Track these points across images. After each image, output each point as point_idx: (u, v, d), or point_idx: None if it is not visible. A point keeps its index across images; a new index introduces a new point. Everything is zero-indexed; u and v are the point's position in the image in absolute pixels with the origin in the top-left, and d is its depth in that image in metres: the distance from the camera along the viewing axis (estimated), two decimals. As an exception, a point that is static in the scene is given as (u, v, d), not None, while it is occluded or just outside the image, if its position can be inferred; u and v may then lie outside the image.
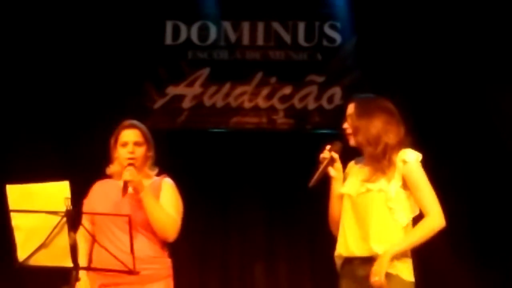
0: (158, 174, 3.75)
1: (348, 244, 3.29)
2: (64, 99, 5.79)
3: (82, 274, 3.53)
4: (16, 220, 3.07)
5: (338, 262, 3.38)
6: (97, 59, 5.86)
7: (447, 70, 5.90)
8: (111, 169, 3.70)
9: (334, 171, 3.38)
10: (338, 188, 3.38)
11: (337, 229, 3.39)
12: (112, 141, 3.71)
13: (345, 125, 3.42)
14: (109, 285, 3.48)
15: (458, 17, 5.79)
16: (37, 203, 3.04)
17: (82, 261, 3.47)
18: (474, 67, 5.86)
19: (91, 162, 5.40)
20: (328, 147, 3.40)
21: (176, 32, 6.08)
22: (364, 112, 3.35)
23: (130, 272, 3.10)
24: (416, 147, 3.39)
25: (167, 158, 5.40)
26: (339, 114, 5.68)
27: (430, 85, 5.92)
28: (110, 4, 5.92)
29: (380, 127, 3.31)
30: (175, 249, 5.51)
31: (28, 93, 5.81)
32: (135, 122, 3.78)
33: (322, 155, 3.40)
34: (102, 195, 3.65)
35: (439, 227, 3.24)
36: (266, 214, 5.91)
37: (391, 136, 3.31)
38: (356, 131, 3.34)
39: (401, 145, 3.32)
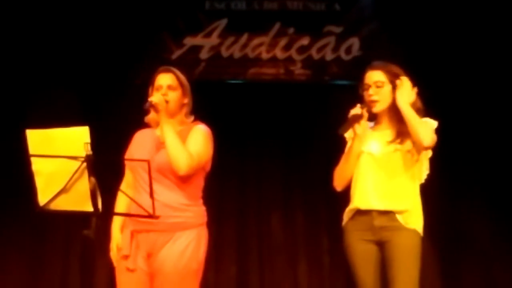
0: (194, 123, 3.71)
1: (368, 198, 3.55)
2: (84, 48, 5.79)
3: (116, 218, 3.63)
4: (36, 165, 3.08)
5: (350, 214, 3.64)
6: (116, 9, 5.85)
7: (466, 26, 5.84)
8: (149, 117, 3.65)
9: (360, 129, 3.58)
10: (359, 146, 3.59)
11: (345, 184, 3.67)
12: (150, 88, 3.68)
13: (371, 92, 3.57)
14: (140, 231, 3.50)
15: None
16: (57, 148, 3.06)
17: (122, 207, 3.55)
18: (499, 29, 5.81)
19: (109, 110, 5.45)
20: (359, 104, 3.58)
21: (193, -19, 6.04)
22: (394, 77, 3.55)
23: (150, 216, 3.12)
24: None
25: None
26: (357, 65, 5.78)
27: (447, 39, 5.87)
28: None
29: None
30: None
31: (48, 40, 5.81)
32: (171, 67, 3.75)
33: (353, 111, 3.57)
34: (139, 144, 3.64)
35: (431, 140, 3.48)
36: (283, 165, 5.91)
37: (417, 101, 3.58)
38: (389, 96, 3.54)
39: (421, 111, 3.57)
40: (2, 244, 5.63)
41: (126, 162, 3.61)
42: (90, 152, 3.03)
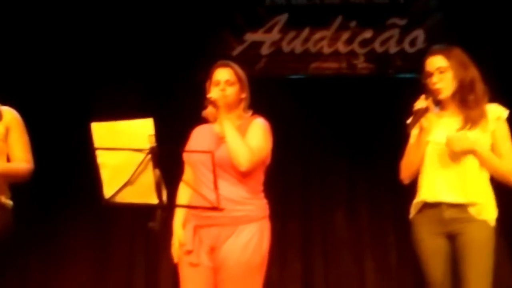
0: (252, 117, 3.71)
1: (436, 190, 3.45)
2: (148, 45, 5.84)
3: (179, 212, 3.64)
4: (102, 158, 3.11)
5: (417, 207, 3.54)
6: (178, 6, 5.88)
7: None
8: (206, 112, 3.61)
9: (426, 121, 3.45)
10: (426, 137, 3.48)
11: (412, 176, 3.58)
12: (208, 83, 3.68)
13: (435, 79, 3.47)
14: (203, 226, 3.50)
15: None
16: (122, 141, 3.08)
17: (183, 201, 3.57)
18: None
19: (172, 106, 5.48)
20: (423, 96, 3.47)
21: (253, -23, 6.04)
22: (459, 61, 3.46)
23: (214, 208, 3.13)
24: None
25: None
26: (422, 57, 5.63)
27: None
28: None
29: (476, 74, 3.49)
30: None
31: (114, 37, 5.89)
32: (228, 61, 3.75)
33: (417, 104, 3.46)
34: (198, 139, 3.65)
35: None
36: (346, 160, 5.86)
37: (482, 85, 3.48)
38: (452, 81, 3.44)
39: (487, 95, 3.48)
40: (68, 237, 5.74)
41: (186, 159, 3.61)
42: (154, 144, 3.05)
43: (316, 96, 5.89)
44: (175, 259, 3.60)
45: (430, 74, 3.49)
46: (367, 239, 5.76)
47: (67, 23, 5.91)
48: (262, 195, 3.65)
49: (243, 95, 3.68)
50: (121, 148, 3.07)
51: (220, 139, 3.57)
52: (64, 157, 5.61)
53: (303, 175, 5.87)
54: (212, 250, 3.51)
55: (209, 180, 3.34)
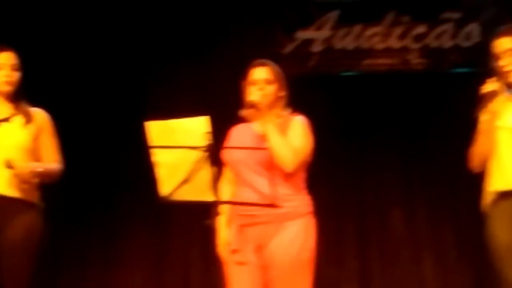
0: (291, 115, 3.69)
1: (509, 178, 3.24)
2: (200, 44, 5.88)
3: (223, 209, 3.64)
4: (157, 157, 3.13)
5: (490, 198, 3.32)
6: (229, 4, 5.92)
7: None
8: (245, 111, 3.60)
9: (495, 105, 3.28)
10: (496, 122, 3.30)
11: (482, 164, 3.36)
12: (244, 83, 3.68)
13: (504, 62, 3.31)
14: (247, 225, 3.49)
15: None
16: (178, 139, 3.09)
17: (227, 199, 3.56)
18: None
19: (222, 103, 5.49)
20: (491, 79, 3.30)
21: (302, -25, 6.03)
22: None
23: (271, 205, 3.14)
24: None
25: (298, 104, 5.49)
26: (478, 52, 5.59)
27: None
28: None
29: None
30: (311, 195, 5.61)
31: (169, 34, 5.94)
32: (265, 60, 3.72)
33: (486, 87, 3.29)
34: (237, 139, 3.64)
35: None
36: (402, 157, 5.82)
37: None
38: None
39: None
40: (125, 237, 5.80)
41: (227, 158, 3.59)
42: (211, 142, 3.06)
43: (369, 93, 5.86)
44: (223, 259, 3.60)
45: (499, 56, 3.32)
46: (425, 237, 5.69)
47: (118, 21, 5.98)
48: (305, 191, 3.63)
49: (282, 93, 3.65)
50: (178, 146, 3.09)
51: (260, 138, 3.55)
52: (120, 157, 5.67)
53: (358, 173, 5.83)
54: (259, 248, 3.51)
55: (253, 181, 3.43)
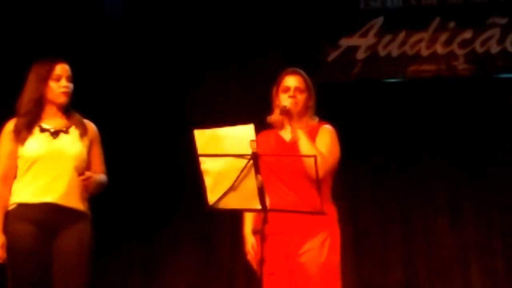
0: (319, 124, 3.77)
1: None
2: (246, 53, 5.94)
3: (248, 219, 3.73)
4: (205, 165, 3.16)
5: None
6: (276, 11, 5.96)
7: None
8: (272, 117, 3.68)
9: None
10: None
11: None
12: (274, 89, 3.77)
13: None
14: (274, 233, 3.50)
15: None
16: (224, 147, 3.13)
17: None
18: None
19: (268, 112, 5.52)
20: None
21: (347, -18, 6.04)
22: None
23: (318, 212, 3.18)
24: None
25: (342, 111, 5.50)
26: (525, 56, 5.55)
27: None
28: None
29: None
30: (355, 207, 5.60)
31: (215, 43, 6.01)
32: (297, 69, 3.80)
33: None
34: (264, 146, 3.63)
35: None
36: (448, 164, 5.76)
37: None
38: None
39: None
40: (172, 244, 5.84)
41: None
42: (256, 150, 3.09)
43: (415, 100, 5.82)
44: (254, 266, 3.64)
45: None
46: (472, 248, 5.63)
47: (165, 33, 6.07)
48: (331, 199, 3.68)
49: (311, 103, 3.75)
50: (224, 154, 3.12)
51: (287, 146, 3.65)
52: (166, 164, 5.73)
53: (404, 181, 5.80)
54: (287, 256, 3.58)
55: (282, 190, 3.50)
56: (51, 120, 3.72)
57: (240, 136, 3.10)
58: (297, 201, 3.48)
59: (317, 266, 3.55)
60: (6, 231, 3.58)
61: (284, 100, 3.65)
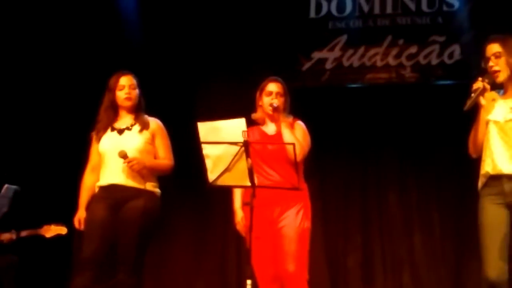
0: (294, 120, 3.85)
1: (496, 163, 3.17)
2: (240, 64, 5.94)
3: (237, 194, 3.77)
4: (206, 150, 3.22)
5: (483, 180, 3.23)
6: (260, 32, 5.96)
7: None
8: (256, 115, 3.84)
9: (484, 100, 3.18)
10: (486, 115, 3.22)
11: (478, 151, 3.26)
12: (258, 92, 3.86)
13: (491, 63, 3.22)
14: (259, 205, 3.48)
15: None
16: (221, 136, 3.18)
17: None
18: None
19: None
20: (480, 78, 3.20)
21: (318, 7, 6.03)
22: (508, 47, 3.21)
23: (295, 188, 3.24)
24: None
25: (313, 110, 5.51)
26: (459, 67, 5.60)
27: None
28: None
29: None
30: (324, 185, 5.61)
31: (215, 54, 5.98)
32: (277, 77, 3.90)
33: (475, 85, 3.19)
34: (251, 138, 3.69)
35: None
36: (398, 153, 5.79)
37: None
38: (505, 65, 3.19)
39: None
40: (173, 215, 5.75)
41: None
42: (246, 138, 3.14)
43: (372, 101, 5.85)
44: (243, 234, 3.71)
45: (488, 59, 3.23)
46: (416, 217, 5.67)
47: (171, 26, 6.03)
48: (303, 179, 3.75)
49: (287, 104, 3.85)
50: (221, 142, 3.18)
51: (269, 138, 3.75)
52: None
53: (361, 163, 5.82)
54: (270, 223, 3.65)
55: (265, 172, 3.62)
56: (121, 121, 3.79)
57: (234, 127, 3.16)
58: (279, 180, 3.54)
59: (293, 229, 3.63)
60: (87, 209, 3.69)
61: (271, 101, 3.74)
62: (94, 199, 3.70)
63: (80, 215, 3.70)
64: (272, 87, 3.79)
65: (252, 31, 5.96)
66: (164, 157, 3.79)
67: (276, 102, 3.72)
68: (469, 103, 3.16)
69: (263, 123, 3.84)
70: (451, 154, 5.45)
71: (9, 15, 5.88)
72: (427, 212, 5.64)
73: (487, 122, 3.24)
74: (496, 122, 3.22)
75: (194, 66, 5.99)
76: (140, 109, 3.81)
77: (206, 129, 3.19)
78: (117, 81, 3.75)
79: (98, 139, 3.74)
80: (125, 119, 3.78)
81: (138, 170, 3.61)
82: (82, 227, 3.67)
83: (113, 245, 3.58)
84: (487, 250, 3.12)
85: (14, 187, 4.86)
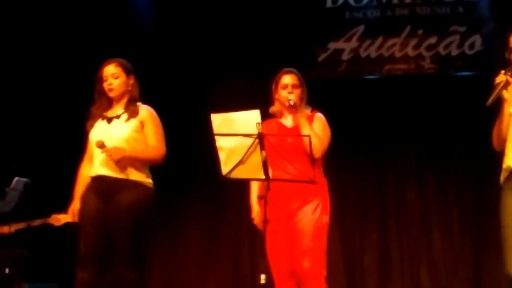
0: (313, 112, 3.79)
1: None
2: (255, 56, 5.92)
3: (254, 188, 3.73)
4: (219, 142, 3.18)
5: (505, 174, 3.17)
6: (279, 23, 5.94)
7: None
8: (273, 108, 3.78)
9: (507, 93, 3.12)
10: (509, 108, 3.16)
11: (502, 145, 3.20)
12: (273, 85, 3.79)
13: None
14: (277, 199, 3.53)
15: None
16: (235, 128, 3.14)
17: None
18: None
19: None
20: (503, 71, 3.13)
21: (336, -3, 6.01)
22: None
23: (312, 182, 3.21)
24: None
25: (329, 101, 5.49)
26: (480, 58, 5.55)
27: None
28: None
29: None
30: (339, 180, 5.60)
31: (231, 48, 5.97)
32: (292, 68, 3.82)
33: (497, 78, 3.12)
34: (269, 131, 3.64)
35: None
36: (416, 145, 5.75)
37: None
38: None
39: None
40: (186, 214, 5.82)
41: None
42: (261, 130, 3.11)
43: (389, 93, 5.81)
44: (260, 228, 3.65)
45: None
46: (434, 212, 5.63)
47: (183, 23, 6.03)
48: (322, 173, 3.72)
49: (304, 95, 3.77)
50: (235, 134, 3.14)
51: (288, 130, 3.68)
52: (185, 144, 5.72)
53: (379, 157, 5.79)
54: (288, 218, 3.60)
55: (284, 165, 3.55)
56: (113, 110, 3.72)
57: (248, 119, 3.12)
58: (296, 173, 3.52)
59: (311, 224, 3.58)
60: (80, 200, 3.66)
61: (289, 95, 3.68)
62: (86, 190, 3.64)
63: (74, 207, 3.67)
64: (287, 79, 3.73)
65: (267, 22, 5.92)
66: (154, 145, 3.65)
67: (293, 98, 3.65)
68: (491, 98, 3.10)
69: (280, 116, 3.78)
70: (471, 147, 5.41)
71: (18, 7, 5.91)
72: (446, 208, 5.60)
73: (511, 115, 3.17)
74: None
75: (208, 59, 5.96)
76: (132, 97, 3.71)
77: (219, 121, 3.16)
78: (101, 72, 3.70)
79: (89, 129, 3.70)
80: (116, 108, 3.71)
81: (118, 159, 3.50)
82: (76, 218, 3.65)
83: (110, 234, 3.53)
84: (509, 246, 3.06)
85: (24, 179, 4.88)
